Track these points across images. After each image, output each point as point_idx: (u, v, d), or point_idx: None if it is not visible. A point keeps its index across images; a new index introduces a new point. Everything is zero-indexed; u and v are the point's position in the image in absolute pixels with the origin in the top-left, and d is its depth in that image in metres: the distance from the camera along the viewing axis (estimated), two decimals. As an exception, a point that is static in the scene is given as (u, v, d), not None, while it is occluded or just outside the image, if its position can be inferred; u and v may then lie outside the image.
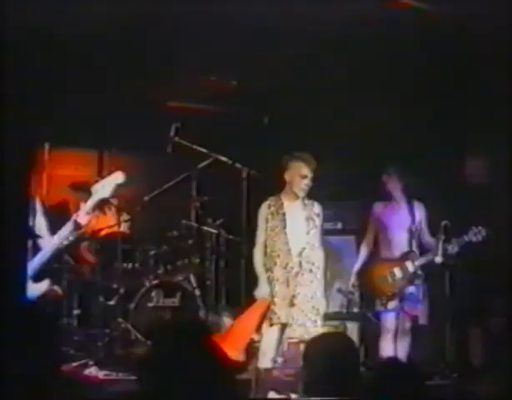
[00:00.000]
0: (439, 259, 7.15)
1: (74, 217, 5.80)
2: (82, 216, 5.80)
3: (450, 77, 8.01)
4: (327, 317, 6.78)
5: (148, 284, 7.56)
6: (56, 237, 5.82)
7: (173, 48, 7.74)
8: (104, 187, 5.86)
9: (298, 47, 7.76)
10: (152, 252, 7.82)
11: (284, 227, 6.65)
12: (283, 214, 6.70)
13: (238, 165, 7.51)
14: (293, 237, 6.65)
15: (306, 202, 6.75)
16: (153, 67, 8.10)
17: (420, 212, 7.55)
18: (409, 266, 7.32)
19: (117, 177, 5.92)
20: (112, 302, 7.54)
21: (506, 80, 7.38)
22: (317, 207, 6.75)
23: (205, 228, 7.87)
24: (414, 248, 7.44)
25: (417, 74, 7.99)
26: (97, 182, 6.00)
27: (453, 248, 7.15)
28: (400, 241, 7.47)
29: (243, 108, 9.18)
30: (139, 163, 9.59)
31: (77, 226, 5.83)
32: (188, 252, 7.92)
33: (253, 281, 7.54)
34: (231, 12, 6.86)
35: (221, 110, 9.37)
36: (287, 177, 6.77)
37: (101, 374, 6.64)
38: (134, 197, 8.16)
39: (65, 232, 5.81)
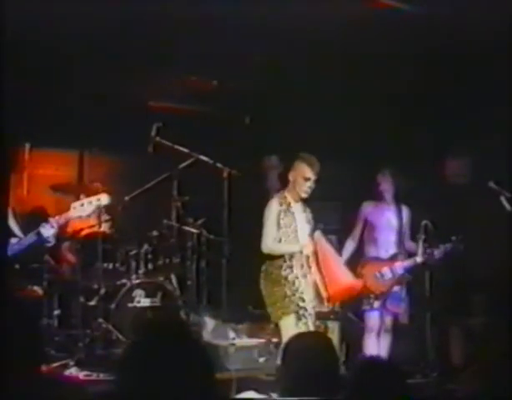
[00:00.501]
0: (419, 259, 7.25)
1: (39, 227, 5.74)
2: (47, 228, 5.70)
3: (435, 80, 8.06)
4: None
5: (128, 284, 7.53)
6: (16, 244, 5.72)
7: (153, 49, 7.73)
8: (84, 207, 5.82)
9: (280, 47, 7.78)
10: (133, 252, 7.79)
11: (296, 227, 6.59)
12: (293, 213, 6.62)
13: (219, 165, 7.52)
14: (303, 239, 6.61)
15: (304, 204, 6.73)
16: (134, 68, 8.09)
17: (406, 216, 7.66)
18: (399, 267, 7.44)
19: (101, 199, 5.89)
20: (92, 303, 7.51)
21: (491, 82, 7.45)
22: (309, 213, 6.75)
23: (186, 228, 7.85)
24: (403, 250, 7.56)
25: (402, 75, 8.03)
26: (79, 199, 6.01)
27: (438, 254, 7.26)
28: (386, 241, 7.58)
29: (224, 108, 9.18)
30: (120, 163, 9.57)
31: (40, 237, 5.71)
32: (169, 251, 7.90)
33: (233, 280, 7.56)
34: (213, 12, 6.87)
35: (202, 110, 9.36)
36: (290, 177, 6.69)
37: (82, 375, 6.61)
38: (115, 197, 8.13)
39: (27, 242, 5.72)
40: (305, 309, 6.45)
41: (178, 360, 2.37)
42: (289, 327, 6.26)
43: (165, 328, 2.49)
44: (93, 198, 5.87)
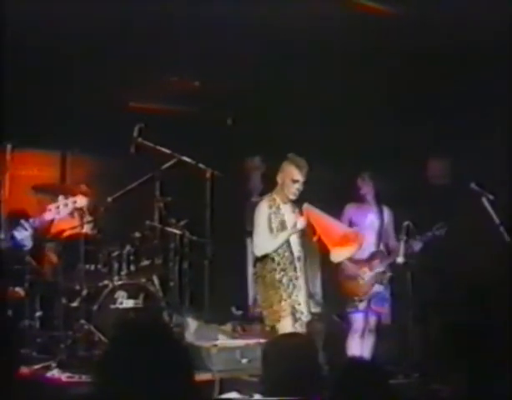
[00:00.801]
0: (400, 259, 7.29)
1: (14, 230, 5.66)
2: (20, 230, 5.64)
3: (418, 81, 8.09)
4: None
5: (111, 285, 7.51)
6: None
7: (135, 49, 7.71)
8: (59, 209, 5.78)
9: (260, 48, 7.78)
10: (115, 254, 7.76)
11: (287, 228, 6.57)
12: (283, 215, 6.60)
13: (201, 166, 7.51)
14: (293, 241, 6.60)
15: (293, 205, 6.70)
16: (116, 69, 8.07)
17: (388, 217, 7.72)
18: (378, 265, 7.49)
19: (77, 201, 5.86)
20: (74, 304, 7.48)
21: (475, 84, 7.49)
22: (298, 213, 6.73)
23: (169, 229, 7.84)
24: (382, 248, 7.62)
25: (386, 77, 8.06)
26: (55, 201, 5.89)
27: (417, 245, 7.31)
28: (369, 242, 7.60)
29: (206, 109, 9.18)
30: (102, 164, 9.55)
31: (14, 241, 5.64)
32: (152, 253, 7.88)
33: (216, 282, 7.56)
34: (193, 12, 6.87)
35: (184, 111, 9.36)
36: (279, 178, 6.66)
37: (64, 376, 6.58)
38: (97, 198, 8.11)
39: (2, 245, 5.66)
40: (301, 312, 6.47)
41: (156, 361, 2.36)
42: (286, 330, 6.24)
43: (143, 329, 2.49)
44: (69, 200, 5.83)
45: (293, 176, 6.57)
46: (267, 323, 6.54)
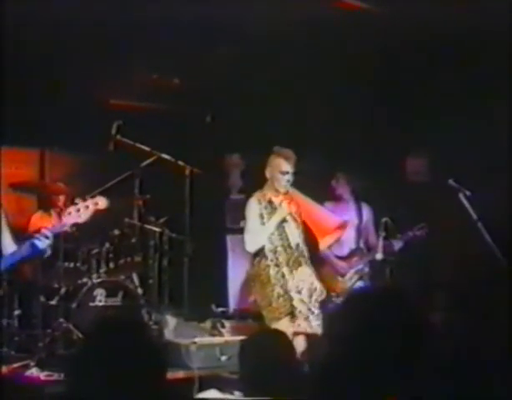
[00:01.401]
0: (379, 256, 7.32)
1: (33, 238, 5.33)
2: (41, 239, 5.26)
3: (395, 79, 8.12)
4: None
5: (90, 283, 7.48)
6: (9, 256, 5.35)
7: (114, 46, 7.69)
8: (80, 213, 5.37)
9: (242, 46, 7.79)
10: (94, 251, 7.74)
11: (282, 222, 6.53)
12: (275, 209, 6.55)
13: (180, 163, 7.51)
14: (290, 232, 6.55)
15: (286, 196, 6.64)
16: (94, 65, 8.04)
17: (368, 213, 7.75)
18: (357, 262, 7.53)
19: (98, 203, 5.46)
20: (53, 302, 7.45)
21: (452, 81, 7.53)
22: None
23: (148, 227, 7.83)
24: (361, 246, 7.66)
25: (361, 75, 8.09)
26: (73, 204, 5.46)
27: (398, 243, 7.36)
28: (349, 239, 7.65)
29: (185, 106, 9.16)
30: (81, 161, 9.51)
31: (35, 249, 5.30)
32: (131, 250, 7.86)
33: (196, 279, 7.55)
34: (175, 10, 6.85)
35: (163, 108, 9.34)
36: (267, 173, 6.61)
37: (42, 375, 6.55)
38: (76, 195, 8.07)
39: (21, 254, 5.32)
40: (300, 310, 6.40)
41: (129, 359, 2.36)
42: (286, 328, 6.10)
43: (116, 327, 2.48)
44: (90, 202, 5.44)
45: (281, 168, 6.52)
46: (266, 323, 6.47)
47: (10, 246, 5.45)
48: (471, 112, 7.62)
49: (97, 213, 5.50)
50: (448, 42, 7.24)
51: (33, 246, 5.24)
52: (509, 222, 6.96)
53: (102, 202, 5.48)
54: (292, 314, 6.40)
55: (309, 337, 6.34)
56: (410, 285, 7.95)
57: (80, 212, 5.37)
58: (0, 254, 5.37)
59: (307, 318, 6.42)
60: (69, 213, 5.37)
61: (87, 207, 5.39)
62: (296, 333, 6.29)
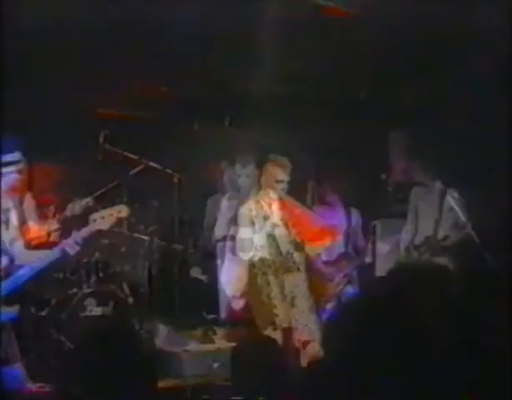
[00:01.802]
0: (368, 259, 7.36)
1: (63, 244, 5.62)
2: (72, 245, 5.57)
3: (382, 80, 8.15)
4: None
5: (80, 293, 7.46)
6: (36, 262, 5.57)
7: (101, 55, 7.68)
8: (105, 220, 5.72)
9: (229, 51, 7.79)
10: (84, 261, 7.72)
11: (272, 230, 6.55)
12: (267, 216, 6.57)
13: (168, 171, 7.50)
14: (281, 239, 6.57)
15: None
16: (81, 75, 8.02)
17: (356, 218, 7.76)
18: (346, 267, 7.53)
19: (121, 211, 5.83)
20: (43, 313, 7.42)
21: (439, 83, 7.55)
22: None
23: (137, 235, 7.82)
24: (350, 250, 7.67)
25: (348, 76, 8.11)
26: (96, 210, 5.90)
27: (385, 248, 7.39)
28: (337, 243, 7.62)
29: (173, 114, 9.16)
30: (69, 171, 9.48)
31: (66, 255, 5.61)
32: (121, 259, 7.86)
33: (186, 287, 7.54)
34: (162, 17, 6.86)
35: (151, 116, 9.33)
36: (262, 181, 6.62)
37: (34, 387, 6.52)
38: (65, 205, 8.05)
39: (49, 259, 5.59)
40: (287, 315, 6.40)
41: (120, 368, 2.36)
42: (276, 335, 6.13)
43: (107, 337, 2.48)
44: (114, 210, 5.80)
45: (276, 176, 6.54)
46: (258, 329, 6.43)
47: (23, 255, 5.64)
48: (460, 113, 7.66)
49: (84, 222, 5.67)
50: (436, 44, 7.26)
51: (64, 252, 5.54)
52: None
53: (124, 211, 5.84)
54: (280, 322, 6.38)
55: (304, 345, 6.34)
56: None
57: (105, 219, 5.70)
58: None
59: (306, 326, 6.42)
60: (94, 220, 5.70)
61: (111, 214, 5.73)
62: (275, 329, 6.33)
